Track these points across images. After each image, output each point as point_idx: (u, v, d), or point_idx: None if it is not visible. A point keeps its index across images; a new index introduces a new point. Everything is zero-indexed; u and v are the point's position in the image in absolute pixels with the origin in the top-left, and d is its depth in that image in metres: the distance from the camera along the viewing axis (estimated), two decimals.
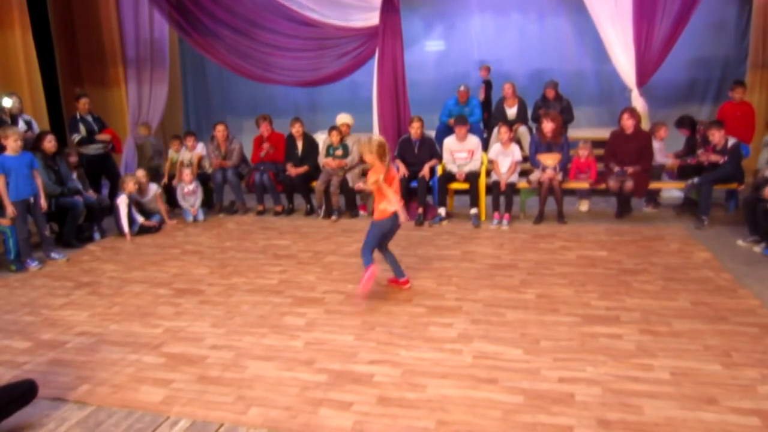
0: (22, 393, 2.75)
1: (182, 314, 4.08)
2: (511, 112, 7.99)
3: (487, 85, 8.77)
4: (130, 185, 6.42)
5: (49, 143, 5.94)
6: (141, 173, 6.71)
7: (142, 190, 6.64)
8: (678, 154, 6.80)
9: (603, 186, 6.28)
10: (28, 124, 6.40)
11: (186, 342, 3.61)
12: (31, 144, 6.03)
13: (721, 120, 6.31)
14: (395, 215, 4.13)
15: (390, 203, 4.08)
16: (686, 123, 6.80)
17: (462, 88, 7.97)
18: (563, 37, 9.46)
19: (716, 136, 5.93)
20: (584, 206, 6.83)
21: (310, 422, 2.69)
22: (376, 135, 4.07)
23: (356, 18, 7.36)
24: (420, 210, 6.41)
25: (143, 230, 6.43)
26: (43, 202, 5.50)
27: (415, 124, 6.62)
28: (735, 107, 6.80)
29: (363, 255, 4.15)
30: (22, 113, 6.38)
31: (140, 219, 6.48)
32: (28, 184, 5.34)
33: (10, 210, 5.22)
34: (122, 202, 6.30)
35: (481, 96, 8.65)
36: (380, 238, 4.21)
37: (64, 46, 8.77)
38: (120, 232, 6.34)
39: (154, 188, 6.86)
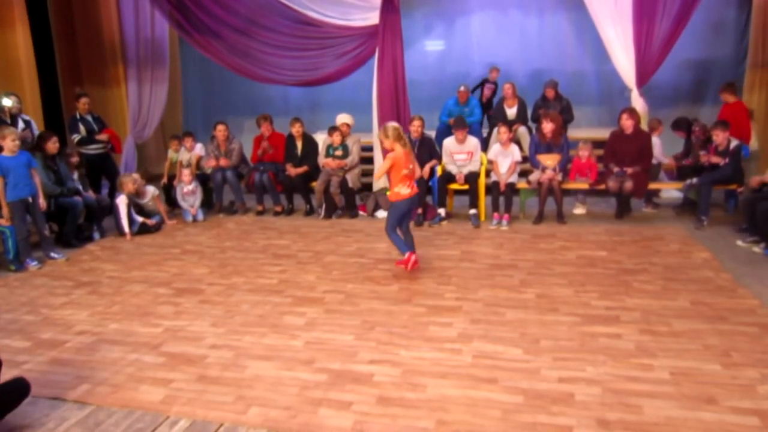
0: (14, 393, 2.72)
1: (182, 314, 4.08)
2: (511, 112, 7.99)
3: (494, 86, 8.73)
4: (129, 186, 6.42)
5: (53, 144, 5.94)
6: (137, 175, 6.71)
7: (139, 192, 6.65)
8: (677, 156, 6.78)
9: (602, 186, 6.28)
10: (27, 123, 6.38)
11: (186, 341, 3.61)
12: (32, 144, 6.03)
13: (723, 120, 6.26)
14: (411, 198, 4.65)
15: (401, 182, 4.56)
16: (682, 125, 6.76)
17: (462, 88, 7.97)
18: (563, 37, 9.47)
19: (720, 136, 5.86)
20: (580, 209, 6.69)
21: (310, 422, 2.69)
22: (391, 122, 4.48)
23: (356, 17, 7.35)
24: (420, 210, 6.41)
25: (143, 230, 6.43)
26: (41, 202, 5.49)
27: (416, 123, 6.61)
28: (734, 109, 6.77)
29: (389, 235, 4.69)
30: (21, 113, 6.36)
31: (140, 218, 6.48)
32: (27, 183, 5.33)
33: (5, 212, 5.21)
34: (122, 201, 6.30)
35: (487, 95, 8.62)
36: (399, 218, 4.69)
37: (64, 45, 8.75)
38: (120, 232, 6.34)
39: (151, 190, 6.86)
